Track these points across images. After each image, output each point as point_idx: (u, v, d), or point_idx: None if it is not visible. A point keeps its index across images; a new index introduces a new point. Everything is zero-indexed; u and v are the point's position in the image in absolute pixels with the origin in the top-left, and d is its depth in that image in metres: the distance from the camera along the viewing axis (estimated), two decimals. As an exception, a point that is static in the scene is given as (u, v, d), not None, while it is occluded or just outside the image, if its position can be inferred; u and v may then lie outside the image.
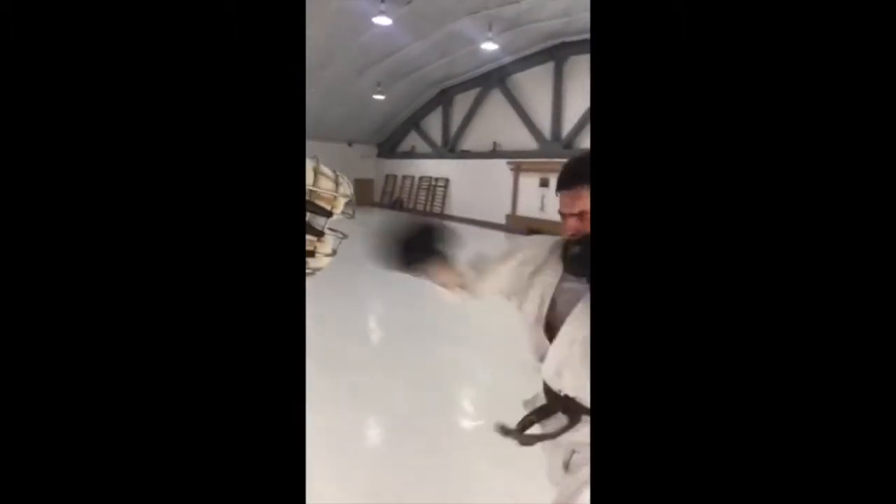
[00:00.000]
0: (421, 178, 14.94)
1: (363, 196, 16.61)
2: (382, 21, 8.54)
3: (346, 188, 0.72)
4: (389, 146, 16.62)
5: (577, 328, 0.91)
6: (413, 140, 15.72)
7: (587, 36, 9.69)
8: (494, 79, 12.18)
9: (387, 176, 16.51)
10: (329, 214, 0.70)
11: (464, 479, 2.04)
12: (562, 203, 0.92)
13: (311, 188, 0.68)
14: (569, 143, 10.38)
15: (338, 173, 0.73)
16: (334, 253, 0.76)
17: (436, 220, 1.00)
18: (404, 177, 15.74)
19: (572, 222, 0.91)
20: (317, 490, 1.79)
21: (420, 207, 14.63)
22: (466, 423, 2.66)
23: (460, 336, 4.03)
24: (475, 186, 12.95)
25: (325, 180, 0.69)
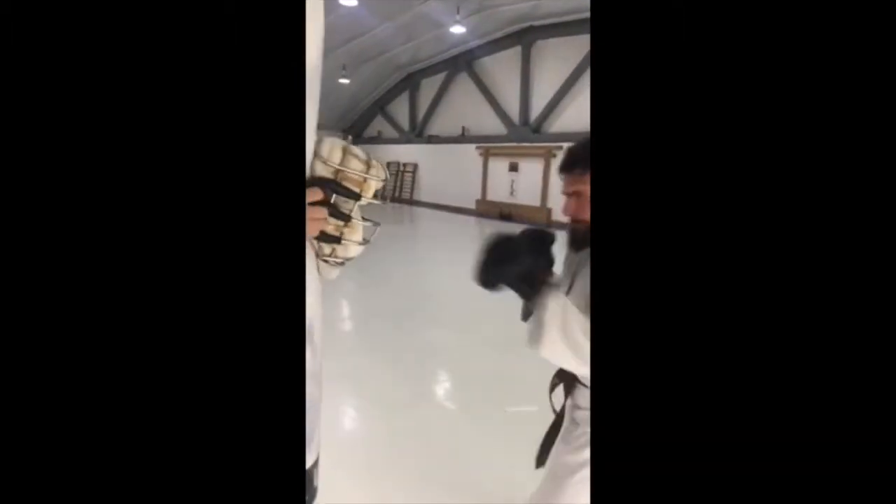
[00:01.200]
0: (388, 164, 14.77)
1: (330, 182, 16.29)
2: (348, 1, 8.31)
3: (380, 171, 0.68)
4: (355, 131, 16.32)
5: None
6: (380, 125, 15.50)
7: (554, 20, 9.73)
8: (462, 63, 12.09)
9: (353, 162, 16.23)
10: (358, 198, 0.66)
11: (446, 459, 2.06)
12: (564, 184, 1.02)
13: (338, 167, 0.65)
14: (537, 128, 10.45)
15: (370, 155, 0.70)
16: (366, 242, 0.72)
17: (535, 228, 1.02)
18: (371, 162, 15.51)
19: (569, 202, 1.01)
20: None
21: (388, 194, 14.49)
22: (448, 405, 2.69)
23: (438, 318, 4.05)
24: (444, 171, 12.91)
25: (355, 161, 0.65)
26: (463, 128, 12.35)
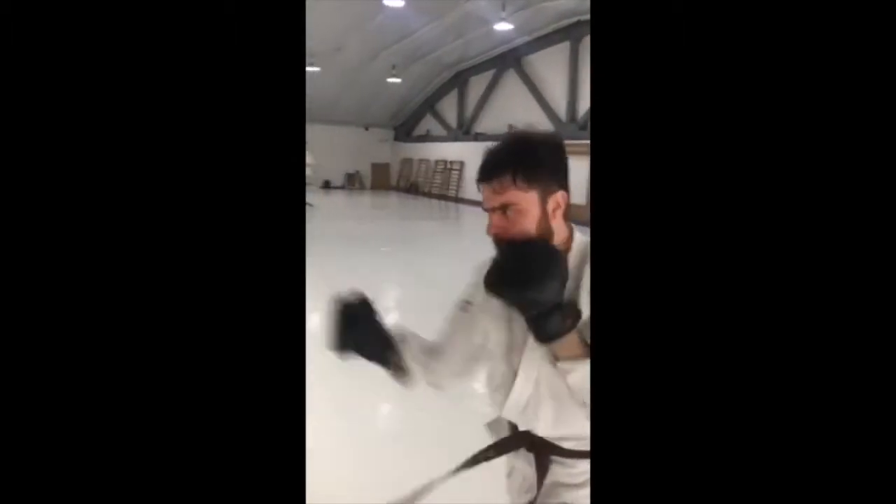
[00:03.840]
0: (437, 162, 14.90)
1: (380, 181, 16.63)
2: (395, 2, 8.48)
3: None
4: (405, 130, 16.57)
5: (532, 365, 0.77)
6: (429, 123, 15.64)
7: (603, 14, 9.46)
8: (509, 60, 12.01)
9: (402, 160, 16.51)
10: None
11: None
12: (484, 198, 0.75)
13: None
14: (584, 125, 10.22)
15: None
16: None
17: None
18: (420, 160, 15.72)
19: (496, 219, 0.74)
20: (330, 474, 1.88)
21: (436, 191, 14.63)
22: (482, 408, 2.73)
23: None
24: (490, 169, 12.84)
25: None
26: (510, 125, 12.25)
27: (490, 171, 0.75)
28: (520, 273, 0.66)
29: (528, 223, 0.74)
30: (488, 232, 0.76)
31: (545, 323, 0.67)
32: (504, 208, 0.73)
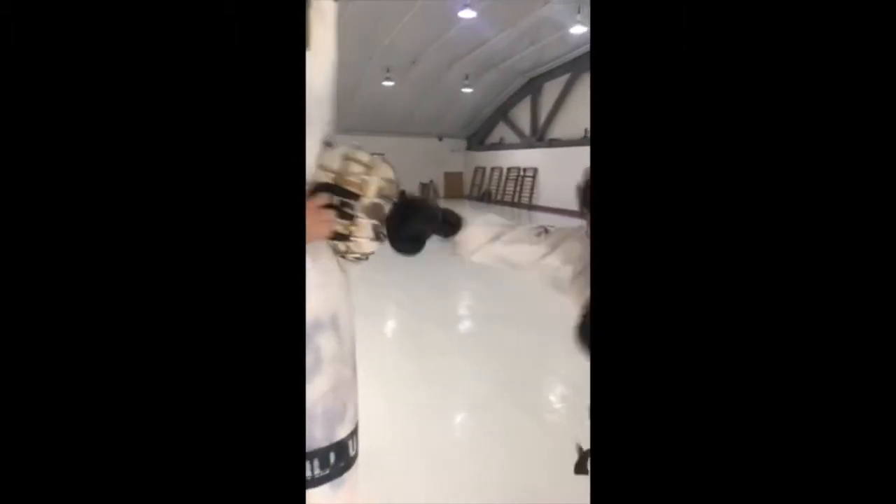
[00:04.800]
0: (509, 170, 14.82)
1: (453, 189, 16.82)
2: (467, 14, 8.59)
3: (386, 171, 0.75)
4: (478, 138, 16.67)
5: None
6: (502, 131, 15.63)
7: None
8: (585, 63, 11.72)
9: (476, 168, 16.59)
10: (357, 197, 0.74)
11: (545, 469, 2.06)
12: None
13: (337, 172, 0.73)
14: (666, 126, 9.75)
15: (377, 158, 0.76)
16: (380, 238, 0.78)
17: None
18: (493, 168, 15.72)
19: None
20: (402, 472, 1.91)
21: (508, 198, 14.54)
22: (549, 415, 2.67)
23: (544, 324, 4.01)
24: (564, 175, 12.57)
25: (354, 165, 0.73)
26: (585, 130, 11.95)
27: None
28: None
29: None
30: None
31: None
32: None
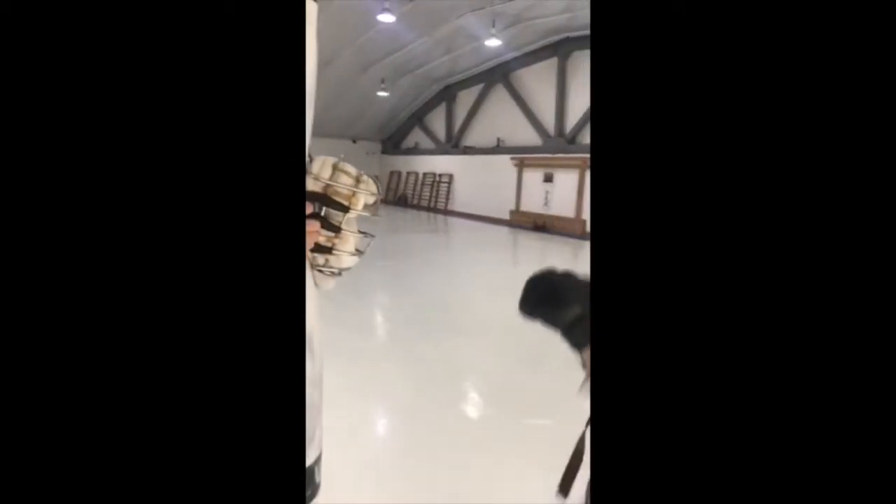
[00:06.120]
0: (425, 175, 14.96)
1: (368, 192, 16.60)
2: (386, 18, 8.57)
3: (370, 186, 0.75)
4: (393, 143, 16.64)
5: None
6: (417, 136, 15.73)
7: (589, 31, 9.71)
8: (498, 74, 12.18)
9: (391, 172, 16.54)
10: (346, 210, 0.73)
11: (470, 468, 2.11)
12: None
13: (328, 182, 0.73)
14: (572, 139, 10.39)
15: (362, 172, 0.76)
16: (360, 253, 0.77)
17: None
18: (409, 173, 15.77)
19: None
20: (326, 480, 1.87)
21: (424, 203, 14.67)
22: (473, 413, 2.74)
23: (466, 328, 4.10)
24: (479, 182, 12.97)
25: (344, 177, 0.73)
26: (498, 139, 12.40)
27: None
28: (546, 297, 0.79)
29: None
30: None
31: (571, 335, 0.79)
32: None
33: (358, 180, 0.75)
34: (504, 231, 10.91)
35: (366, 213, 0.75)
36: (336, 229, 0.74)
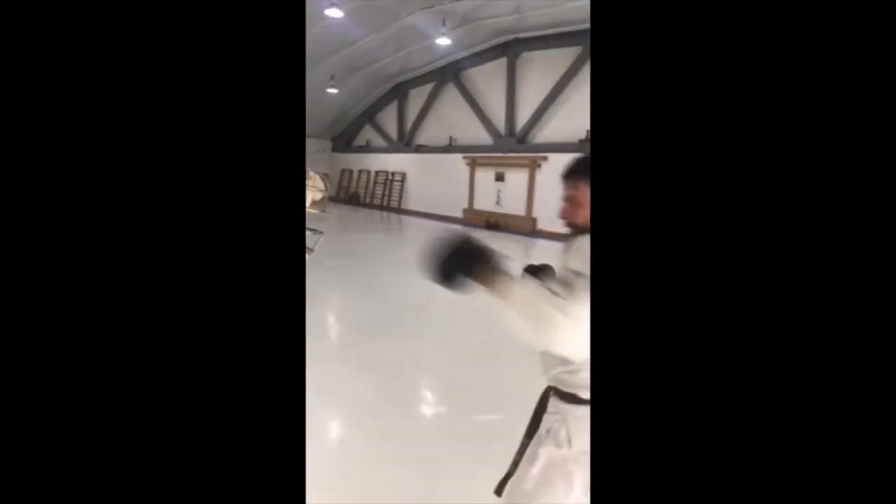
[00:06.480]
0: (377, 173, 14.82)
1: (318, 191, 16.29)
2: (334, 13, 8.41)
3: (317, 182, 0.75)
4: (344, 140, 16.38)
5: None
6: (368, 134, 15.56)
7: (538, 32, 9.89)
8: (449, 73, 12.22)
9: (342, 170, 16.28)
10: None
11: (425, 464, 2.11)
12: (563, 189, 1.09)
13: None
14: (522, 138, 10.57)
15: (309, 168, 0.75)
16: (309, 250, 0.77)
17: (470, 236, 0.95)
18: (360, 171, 15.57)
19: (564, 207, 1.08)
20: None
21: (377, 202, 14.53)
22: (427, 410, 2.74)
23: (421, 328, 4.10)
24: (432, 180, 12.98)
25: None
26: (450, 138, 12.45)
27: (571, 172, 1.07)
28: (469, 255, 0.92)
29: (584, 211, 1.05)
30: (559, 216, 1.09)
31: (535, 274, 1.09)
32: (569, 199, 1.06)
33: (307, 177, 0.73)
34: (457, 229, 10.97)
35: (314, 210, 0.74)
36: None
